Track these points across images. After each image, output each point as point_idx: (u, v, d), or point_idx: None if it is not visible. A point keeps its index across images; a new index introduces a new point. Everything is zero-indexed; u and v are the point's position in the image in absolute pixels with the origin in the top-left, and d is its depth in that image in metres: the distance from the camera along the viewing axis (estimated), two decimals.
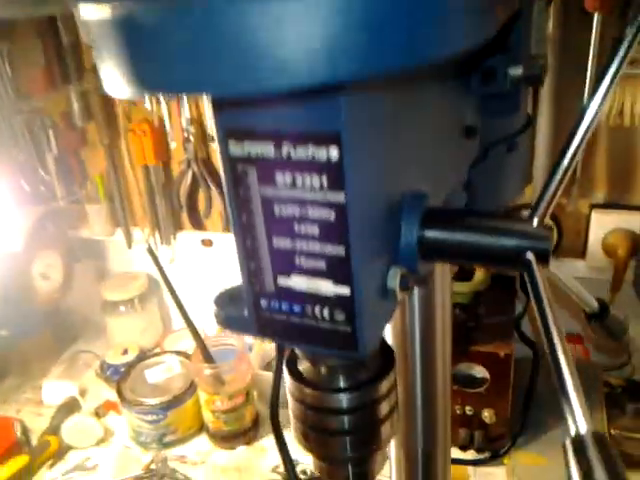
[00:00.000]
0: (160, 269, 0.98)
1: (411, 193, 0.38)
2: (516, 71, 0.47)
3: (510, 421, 1.01)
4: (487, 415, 1.00)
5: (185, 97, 1.09)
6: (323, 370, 0.42)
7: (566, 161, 0.38)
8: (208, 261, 1.29)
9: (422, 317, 0.55)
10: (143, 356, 1.19)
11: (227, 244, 1.24)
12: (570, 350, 0.35)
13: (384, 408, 0.42)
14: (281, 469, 1.03)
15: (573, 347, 1.17)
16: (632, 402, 1.05)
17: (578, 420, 0.31)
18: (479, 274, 0.95)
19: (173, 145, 1.14)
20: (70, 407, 1.14)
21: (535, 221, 0.39)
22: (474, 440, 1.02)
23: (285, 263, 0.34)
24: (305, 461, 1.04)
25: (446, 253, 0.40)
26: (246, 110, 0.31)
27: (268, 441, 1.10)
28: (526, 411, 1.02)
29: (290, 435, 0.46)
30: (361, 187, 0.31)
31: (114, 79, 0.28)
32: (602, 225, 1.02)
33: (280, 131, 0.31)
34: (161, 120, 1.14)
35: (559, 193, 0.39)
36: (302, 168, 0.31)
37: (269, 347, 1.21)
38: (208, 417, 1.06)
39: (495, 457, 1.02)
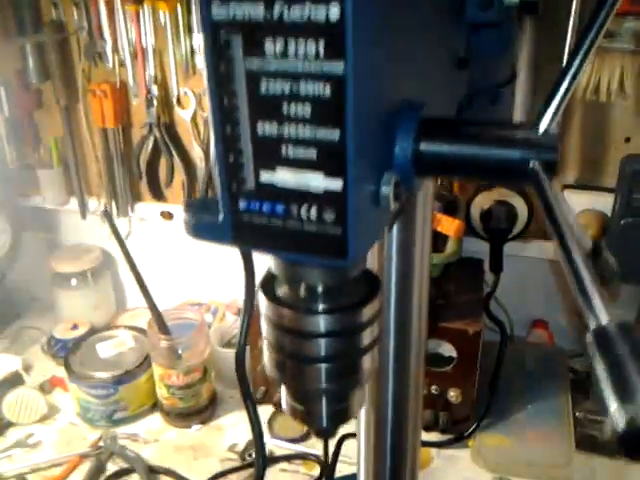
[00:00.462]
0: (116, 234, 0.93)
1: (408, 101, 0.35)
2: None
3: (475, 402, 0.99)
4: (453, 395, 0.98)
5: (151, 52, 1.03)
6: (302, 291, 0.38)
7: (575, 64, 0.36)
8: (167, 235, 1.23)
9: (400, 265, 0.52)
10: (94, 331, 1.12)
11: None
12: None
13: (365, 338, 0.38)
14: (239, 448, 0.98)
15: (538, 333, 1.16)
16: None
17: (598, 312, 0.29)
18: (451, 245, 0.93)
19: (135, 101, 1.08)
20: (12, 381, 1.06)
21: (540, 129, 0.36)
22: (439, 421, 0.99)
23: (270, 154, 0.30)
24: (265, 440, 0.99)
25: (443, 166, 0.36)
26: None
27: (225, 420, 1.05)
28: (492, 393, 1.00)
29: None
30: (362, 59, 0.28)
31: None
32: (573, 206, 1.01)
33: None
34: (123, 81, 1.08)
35: (566, 99, 0.36)
36: (296, 33, 0.27)
37: (229, 324, 1.16)
38: (162, 393, 1.01)
39: (460, 439, 0.99)
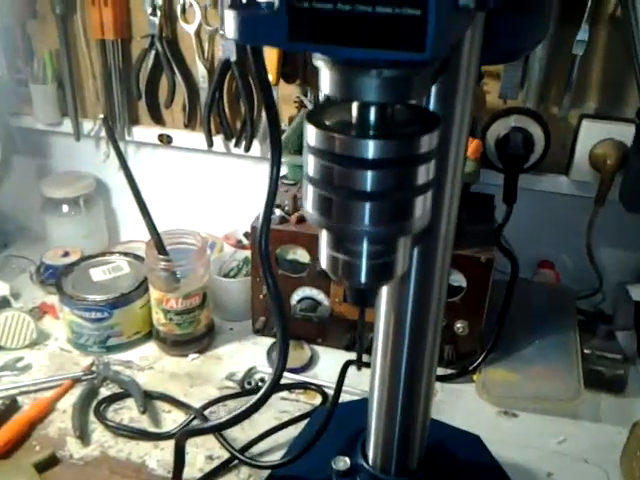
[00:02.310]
0: (114, 143, 0.87)
1: None
2: None
3: (482, 336, 0.96)
4: (460, 327, 0.95)
5: None
6: (355, 112, 0.33)
7: None
8: (165, 161, 1.18)
9: None
10: (87, 257, 1.07)
11: (188, 143, 1.14)
12: None
13: (419, 174, 0.34)
14: (237, 377, 0.94)
15: (545, 272, 1.13)
16: (603, 324, 1.02)
17: None
18: (470, 165, 0.89)
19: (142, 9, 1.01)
20: None
21: None
22: (444, 354, 0.97)
23: None
24: (264, 369, 0.96)
25: None
26: None
27: (223, 350, 1.01)
28: (501, 325, 0.97)
29: None
30: None
31: None
32: (591, 136, 0.97)
33: None
34: None
35: None
36: None
37: (227, 256, 1.11)
38: (159, 319, 0.96)
39: (465, 373, 0.96)
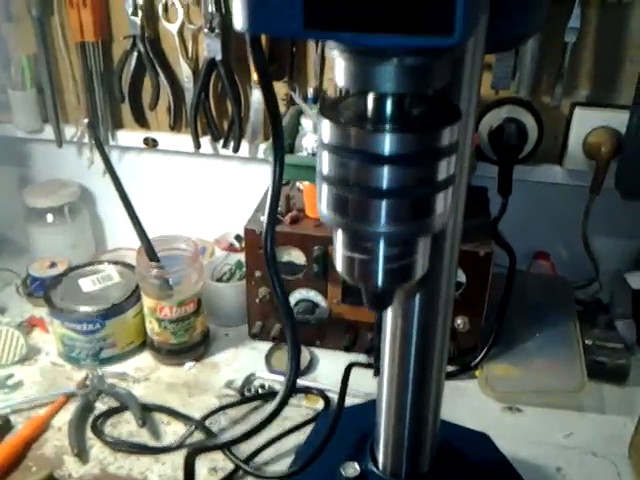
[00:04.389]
0: (100, 148, 0.84)
1: None
2: None
3: (483, 331, 0.95)
4: (460, 323, 0.94)
5: None
6: (371, 105, 0.31)
7: None
8: (151, 165, 1.15)
9: None
10: (75, 267, 1.04)
11: (174, 145, 1.11)
12: None
13: (440, 170, 0.32)
14: (236, 385, 0.92)
15: (541, 264, 1.13)
16: (602, 314, 1.02)
17: None
18: None
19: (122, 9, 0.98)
20: None
21: None
22: None
23: None
24: (263, 375, 0.94)
25: None
26: None
27: (220, 357, 0.98)
28: (501, 320, 0.96)
29: None
30: None
31: None
32: (585, 124, 0.96)
33: None
34: None
35: None
36: None
37: (219, 260, 1.09)
38: (153, 328, 0.94)
39: (467, 369, 0.95)
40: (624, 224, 1.06)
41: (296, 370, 0.47)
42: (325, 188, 0.33)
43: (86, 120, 0.83)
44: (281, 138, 0.38)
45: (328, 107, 0.32)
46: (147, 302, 0.92)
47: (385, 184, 0.30)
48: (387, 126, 0.30)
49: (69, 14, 0.99)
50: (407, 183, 0.31)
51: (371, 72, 0.29)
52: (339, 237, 0.35)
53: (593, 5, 0.89)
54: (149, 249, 0.90)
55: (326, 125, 0.32)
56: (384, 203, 0.31)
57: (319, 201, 0.34)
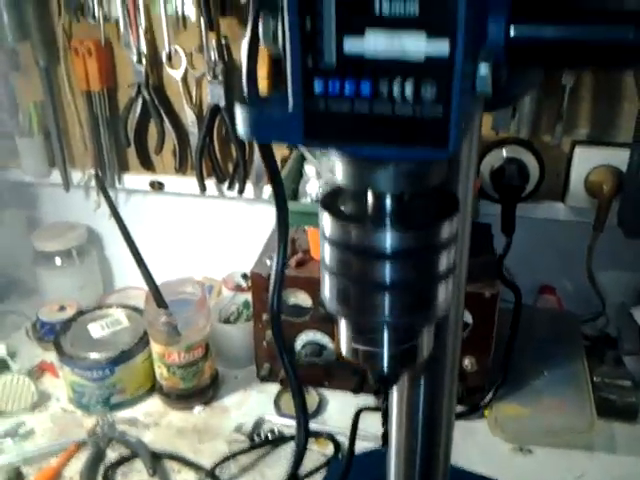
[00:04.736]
0: (108, 200, 0.86)
1: None
2: None
3: (490, 371, 0.95)
4: (468, 363, 0.94)
5: (142, 4, 0.96)
6: (371, 202, 0.32)
7: None
8: (157, 208, 1.16)
9: None
10: (83, 311, 1.05)
11: (180, 188, 1.12)
12: None
13: (440, 263, 0.33)
14: (246, 429, 0.92)
15: (547, 298, 1.13)
16: (610, 350, 1.02)
17: None
18: None
19: (127, 58, 1.00)
20: None
21: None
22: None
23: (358, 14, 0.25)
24: (272, 419, 0.94)
25: (539, 50, 0.31)
26: None
27: (229, 400, 0.98)
28: (508, 360, 0.96)
29: None
30: None
31: None
32: (585, 162, 0.97)
33: None
34: (107, 38, 1.01)
35: None
36: None
37: (226, 300, 1.10)
38: (162, 373, 0.94)
39: (476, 409, 0.95)
40: (628, 258, 1.06)
41: (303, 448, 0.48)
42: (327, 277, 0.34)
43: (93, 171, 0.84)
44: (285, 246, 0.39)
45: (329, 198, 0.33)
46: (155, 348, 0.93)
47: (386, 279, 0.31)
48: (387, 223, 0.31)
49: (75, 63, 1.01)
50: (408, 277, 0.32)
51: (370, 175, 0.30)
52: (343, 325, 0.35)
53: None
54: (157, 296, 0.90)
55: (327, 219, 0.32)
56: (386, 296, 0.32)
57: (323, 288, 0.34)
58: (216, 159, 1.07)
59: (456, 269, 0.34)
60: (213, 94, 1.00)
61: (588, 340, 1.06)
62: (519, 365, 0.99)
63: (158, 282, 0.91)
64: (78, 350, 0.94)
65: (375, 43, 0.25)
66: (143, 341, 0.96)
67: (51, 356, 1.05)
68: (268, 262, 0.94)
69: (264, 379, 1.00)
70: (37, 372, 1.02)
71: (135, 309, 1.03)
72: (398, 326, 0.33)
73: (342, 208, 0.33)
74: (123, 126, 1.06)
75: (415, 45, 0.24)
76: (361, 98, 0.26)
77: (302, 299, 0.94)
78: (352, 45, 0.25)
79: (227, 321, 1.06)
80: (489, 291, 0.89)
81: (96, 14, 0.98)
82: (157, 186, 1.12)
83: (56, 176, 1.13)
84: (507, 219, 0.97)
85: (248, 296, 1.04)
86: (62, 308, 1.09)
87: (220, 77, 0.98)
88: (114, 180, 1.12)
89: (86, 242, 1.18)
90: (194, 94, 1.03)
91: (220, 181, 1.09)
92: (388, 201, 0.31)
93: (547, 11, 0.31)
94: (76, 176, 1.14)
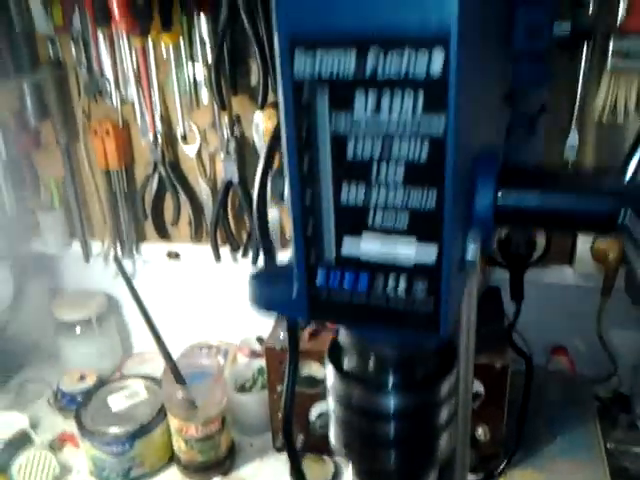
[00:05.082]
0: (128, 282, 0.89)
1: (486, 152, 0.32)
2: (563, 27, 0.43)
3: (504, 438, 0.95)
4: (481, 432, 0.94)
5: (156, 87, 1.00)
6: (373, 366, 0.34)
7: None
8: (174, 275, 1.19)
9: None
10: (103, 382, 1.07)
11: (195, 256, 1.15)
12: None
13: (442, 415, 0.35)
14: None
15: (559, 360, 1.13)
16: (624, 414, 1.02)
17: None
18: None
19: (144, 141, 1.04)
20: (20, 442, 1.00)
21: (627, 177, 0.34)
22: None
23: (354, 222, 0.27)
24: None
25: (523, 216, 0.34)
26: (320, 6, 0.24)
27: (246, 470, 1.00)
28: (520, 427, 0.97)
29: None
30: (462, 113, 0.25)
31: None
32: None
33: (366, 33, 0.24)
34: (125, 119, 1.05)
35: None
36: (390, 86, 0.25)
37: (241, 367, 1.12)
38: (180, 447, 0.96)
39: (490, 477, 0.95)
40: (638, 318, 1.07)
41: None
42: (334, 423, 0.36)
43: (113, 255, 0.88)
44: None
45: (333, 349, 0.36)
46: (173, 422, 0.95)
47: (390, 437, 0.33)
48: (390, 384, 0.33)
49: (94, 142, 1.06)
50: (412, 433, 0.34)
51: (369, 345, 0.32)
52: (350, 467, 0.38)
53: (590, 121, 0.93)
54: (175, 371, 0.93)
55: (329, 372, 0.35)
56: (390, 451, 0.34)
57: (330, 432, 0.37)
58: (230, 229, 1.10)
59: (456, 415, 0.36)
60: (227, 170, 1.03)
61: (600, 401, 1.07)
62: (532, 429, 0.99)
63: (174, 347, 0.93)
64: (98, 424, 0.96)
65: (370, 248, 0.27)
66: (161, 414, 0.98)
67: (72, 425, 1.07)
68: (282, 335, 0.96)
69: (280, 449, 1.01)
70: (58, 443, 1.05)
71: (153, 380, 1.05)
72: (403, 473, 0.35)
73: (346, 360, 0.36)
74: (141, 200, 1.09)
75: (406, 250, 0.27)
76: (359, 291, 0.28)
77: (315, 370, 0.96)
78: (349, 248, 0.28)
79: (243, 388, 1.08)
80: (500, 363, 0.91)
81: (113, 97, 1.02)
82: (174, 255, 1.15)
83: (76, 247, 1.17)
84: (516, 287, 0.99)
85: (263, 362, 1.06)
86: (82, 378, 1.11)
87: (233, 154, 1.02)
88: (132, 250, 1.16)
89: (105, 310, 1.21)
90: (208, 169, 1.07)
91: (234, 249, 1.12)
92: (392, 366, 0.33)
93: (528, 181, 0.33)
94: (96, 246, 1.17)
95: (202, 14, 0.94)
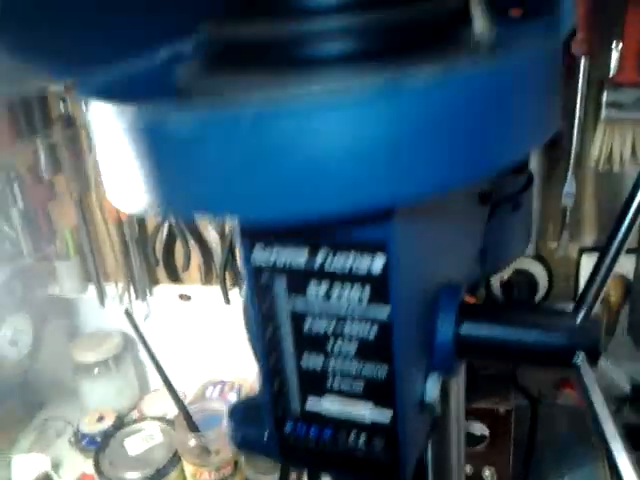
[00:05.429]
0: (138, 333, 0.92)
1: (446, 286, 0.34)
2: None
3: (511, 478, 0.97)
4: (488, 474, 0.96)
5: None
6: None
7: (611, 252, 0.35)
8: (186, 316, 1.23)
9: None
10: (121, 424, 1.12)
11: (206, 298, 1.19)
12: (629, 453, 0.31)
13: None
14: None
15: (567, 393, 1.14)
16: (633, 451, 1.02)
17: None
18: None
19: None
20: None
21: (581, 316, 0.35)
22: None
23: (315, 384, 0.30)
24: None
25: (484, 350, 0.36)
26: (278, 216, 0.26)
27: None
28: (527, 467, 0.98)
29: None
30: (406, 300, 0.27)
31: (126, 191, 0.24)
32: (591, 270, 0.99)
33: (317, 239, 0.26)
34: None
35: (605, 287, 0.35)
36: (340, 279, 0.27)
37: None
38: None
39: None
40: None
41: None
42: None
43: (123, 308, 0.91)
44: None
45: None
46: (187, 467, 0.98)
47: None
48: None
49: (105, 196, 1.09)
50: None
51: None
52: None
53: (587, 170, 0.94)
54: (188, 419, 0.96)
55: None
56: None
57: None
58: (238, 272, 1.13)
59: None
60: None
61: None
62: (540, 466, 1.01)
63: (187, 385, 0.96)
64: (116, 470, 1.00)
65: (330, 407, 0.30)
66: (176, 457, 1.02)
67: (91, 466, 1.11)
68: None
69: None
70: None
71: (168, 421, 1.08)
72: None
73: None
74: (152, 248, 1.13)
75: (363, 411, 0.29)
76: (323, 441, 0.31)
77: None
78: (312, 405, 0.30)
79: None
80: (504, 407, 0.93)
81: None
82: (185, 297, 1.19)
83: (91, 292, 1.21)
84: None
85: None
86: (101, 418, 1.16)
87: None
88: (145, 292, 1.19)
89: (122, 349, 1.25)
90: None
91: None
92: None
93: (491, 314, 0.35)
94: (110, 290, 1.21)
95: None
